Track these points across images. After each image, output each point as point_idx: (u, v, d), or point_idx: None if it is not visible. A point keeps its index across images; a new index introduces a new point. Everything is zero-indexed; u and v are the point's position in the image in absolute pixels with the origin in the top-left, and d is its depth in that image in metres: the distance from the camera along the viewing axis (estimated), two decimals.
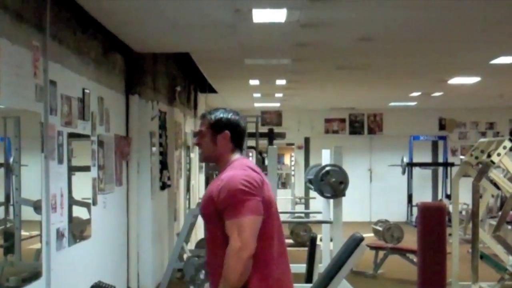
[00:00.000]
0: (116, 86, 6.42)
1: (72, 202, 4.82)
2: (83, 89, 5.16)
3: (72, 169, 4.80)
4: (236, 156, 2.83)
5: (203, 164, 10.79)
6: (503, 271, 7.07)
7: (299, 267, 6.36)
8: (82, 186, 5.26)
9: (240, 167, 2.74)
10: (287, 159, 16.63)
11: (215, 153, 2.84)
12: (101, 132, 5.67)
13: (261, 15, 5.41)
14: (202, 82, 10.53)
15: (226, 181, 2.67)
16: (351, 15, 5.52)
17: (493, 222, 8.61)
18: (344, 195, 6.51)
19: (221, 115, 2.84)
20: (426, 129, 15.16)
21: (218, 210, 2.66)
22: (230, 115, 2.84)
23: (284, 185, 15.64)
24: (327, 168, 6.50)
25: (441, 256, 6.40)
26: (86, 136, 5.28)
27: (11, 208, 3.97)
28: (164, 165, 7.73)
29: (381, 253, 8.62)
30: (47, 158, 4.23)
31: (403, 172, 14.34)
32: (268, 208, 2.71)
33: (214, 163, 2.95)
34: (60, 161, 4.53)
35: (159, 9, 5.19)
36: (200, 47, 7.10)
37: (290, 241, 10.78)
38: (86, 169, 5.33)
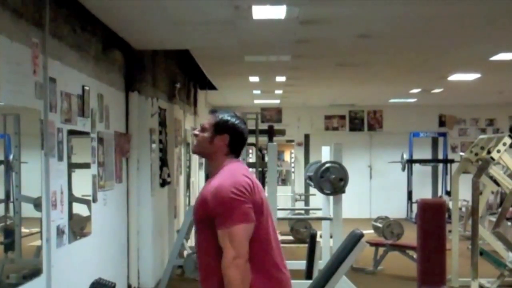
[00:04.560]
0: (115, 83, 6.42)
1: (72, 199, 4.83)
2: (83, 86, 5.16)
3: (72, 166, 4.81)
4: (229, 160, 2.80)
5: (203, 161, 10.80)
6: (503, 267, 7.09)
7: (299, 264, 6.37)
8: (82, 183, 5.26)
9: (230, 172, 2.72)
10: (287, 156, 16.63)
11: (208, 151, 2.83)
12: (101, 129, 5.67)
13: (261, 12, 5.41)
14: (201, 79, 10.52)
15: (216, 188, 2.66)
16: (351, 11, 5.52)
17: (493, 218, 8.62)
18: (344, 191, 6.52)
19: (228, 118, 2.82)
20: (426, 126, 15.16)
21: (209, 217, 2.66)
22: (236, 122, 2.83)
23: (284, 181, 15.65)
24: (327, 165, 6.50)
25: (441, 252, 6.41)
26: (86, 133, 5.28)
27: (11, 205, 3.98)
28: (164, 162, 7.73)
29: (381, 250, 8.63)
30: (47, 155, 4.23)
31: (403, 169, 14.35)
32: (261, 210, 2.71)
33: (205, 159, 2.92)
34: (60, 158, 4.53)
35: (159, 6, 5.19)
36: (199, 44, 7.09)
37: (290, 237, 10.79)
38: (86, 166, 5.33)
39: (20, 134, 3.93)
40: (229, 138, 2.80)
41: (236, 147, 2.83)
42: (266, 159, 7.85)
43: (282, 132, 10.69)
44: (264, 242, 2.70)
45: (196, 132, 2.86)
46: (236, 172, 2.72)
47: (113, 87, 6.27)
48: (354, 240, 3.93)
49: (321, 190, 6.58)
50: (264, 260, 2.70)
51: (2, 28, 3.62)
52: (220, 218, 2.62)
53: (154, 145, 7.22)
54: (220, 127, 2.81)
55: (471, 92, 12.36)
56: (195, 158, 11.31)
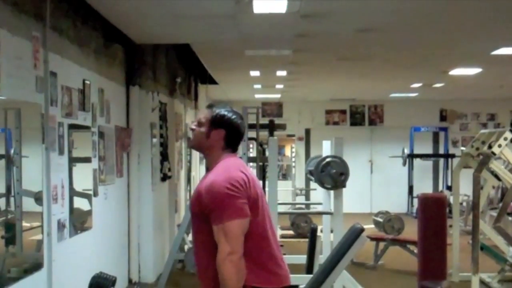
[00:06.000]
0: (116, 77, 6.42)
1: (73, 193, 4.83)
2: (84, 80, 5.16)
3: (72, 160, 4.81)
4: (225, 155, 2.81)
5: None
6: (504, 262, 7.09)
7: (299, 258, 6.37)
8: (83, 177, 5.27)
9: (225, 168, 2.73)
10: (287, 151, 16.63)
11: (204, 145, 2.84)
12: (101, 123, 5.67)
13: (262, 6, 5.40)
14: (202, 73, 10.52)
15: (210, 184, 2.67)
16: (352, 5, 5.51)
17: (494, 213, 8.62)
18: (344, 186, 6.51)
19: (224, 113, 2.82)
20: (427, 120, 15.15)
21: (204, 213, 2.67)
22: (232, 116, 2.83)
23: (284, 176, 15.66)
24: (328, 159, 6.49)
25: (442, 247, 6.41)
26: (87, 127, 5.28)
27: (12, 200, 3.98)
28: (164, 156, 7.73)
29: (381, 245, 8.64)
30: (48, 149, 4.23)
31: (404, 164, 14.34)
32: (257, 205, 2.72)
33: (201, 154, 2.93)
34: (61, 152, 4.53)
35: (159, 0, 5.18)
36: (200, 38, 7.08)
37: (290, 232, 10.80)
38: (87, 160, 5.33)
39: (21, 128, 3.94)
40: (225, 132, 2.80)
41: (232, 142, 2.83)
42: (267, 153, 7.83)
43: (282, 127, 10.67)
44: (261, 237, 2.71)
45: (193, 126, 2.87)
46: (231, 167, 2.72)
47: (113, 81, 6.27)
48: (354, 234, 3.92)
49: (322, 184, 6.57)
50: (261, 255, 2.70)
51: (3, 22, 3.62)
52: (214, 214, 2.62)
53: (154, 140, 7.22)
54: (217, 122, 2.81)
55: (472, 86, 12.35)
56: (196, 152, 11.30)
